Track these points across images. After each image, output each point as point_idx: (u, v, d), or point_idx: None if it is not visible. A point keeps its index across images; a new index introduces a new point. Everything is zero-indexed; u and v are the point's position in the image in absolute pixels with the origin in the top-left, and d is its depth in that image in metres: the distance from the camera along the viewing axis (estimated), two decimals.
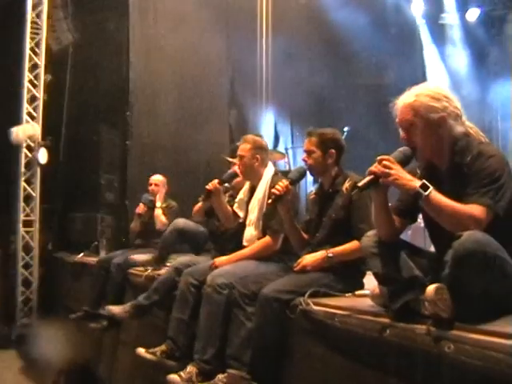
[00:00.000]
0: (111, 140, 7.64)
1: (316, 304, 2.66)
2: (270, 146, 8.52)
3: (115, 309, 4.30)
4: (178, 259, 4.22)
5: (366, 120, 8.57)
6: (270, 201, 3.08)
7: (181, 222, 4.98)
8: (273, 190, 3.07)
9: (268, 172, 3.78)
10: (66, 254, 7.33)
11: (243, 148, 3.80)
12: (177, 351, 3.56)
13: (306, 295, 2.72)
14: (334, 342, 2.44)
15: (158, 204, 5.45)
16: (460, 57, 10.27)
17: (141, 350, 3.70)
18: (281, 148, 8.86)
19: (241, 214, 3.90)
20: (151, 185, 5.65)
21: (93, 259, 6.05)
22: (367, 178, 2.22)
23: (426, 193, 2.10)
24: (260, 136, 4.03)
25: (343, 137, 6.46)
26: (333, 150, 3.22)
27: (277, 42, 8.53)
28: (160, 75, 7.59)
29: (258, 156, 3.78)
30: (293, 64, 8.70)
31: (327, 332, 2.48)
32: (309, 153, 3.23)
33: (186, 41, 7.76)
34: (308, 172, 3.25)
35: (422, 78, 9.82)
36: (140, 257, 5.00)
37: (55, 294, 7.44)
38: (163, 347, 3.62)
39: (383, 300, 2.34)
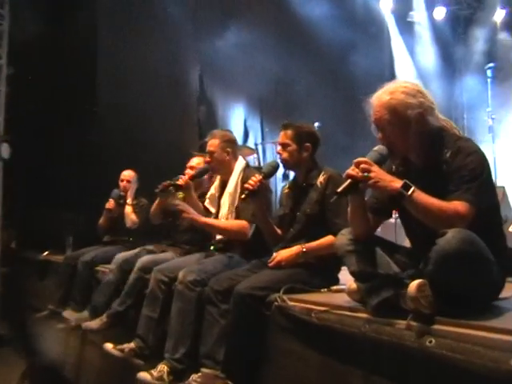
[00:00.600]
0: (77, 135, 7.45)
1: (292, 300, 2.60)
2: (240, 142, 8.48)
3: (92, 324, 4.19)
4: (140, 260, 4.11)
5: (334, 115, 8.56)
6: (243, 196, 3.01)
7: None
8: (246, 185, 3.01)
9: (239, 165, 3.74)
10: (31, 252, 7.12)
11: (212, 143, 3.75)
12: (146, 350, 3.49)
13: (282, 291, 2.66)
14: (311, 338, 2.38)
15: (129, 201, 5.29)
16: (427, 54, 10.37)
17: (108, 346, 3.64)
18: (250, 144, 8.78)
19: (212, 209, 3.84)
20: (123, 181, 5.51)
21: (59, 257, 5.89)
22: (346, 183, 2.16)
23: (409, 192, 2.07)
24: (228, 131, 3.98)
25: None
26: (308, 144, 3.17)
27: (245, 36, 8.44)
28: (128, 71, 7.43)
29: (228, 149, 3.74)
30: (261, 60, 8.63)
31: (304, 328, 2.42)
32: (284, 146, 3.17)
33: (154, 37, 7.64)
34: (282, 166, 3.19)
35: (390, 73, 9.92)
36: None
37: (20, 293, 7.22)
38: (132, 345, 3.56)
39: (360, 296, 2.30)
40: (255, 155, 8.00)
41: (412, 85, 2.31)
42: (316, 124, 6.66)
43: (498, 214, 2.34)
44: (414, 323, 1.94)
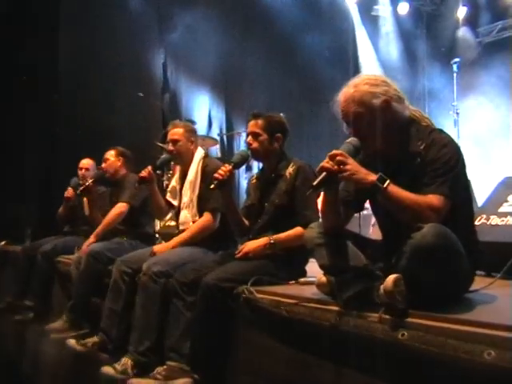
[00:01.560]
0: (36, 123, 7.25)
1: (260, 292, 2.55)
2: (204, 132, 8.41)
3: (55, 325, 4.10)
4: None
5: (298, 107, 8.58)
6: (212, 185, 2.93)
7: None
8: (215, 175, 2.93)
9: (198, 154, 3.70)
10: None
11: (176, 132, 3.69)
12: (109, 343, 3.42)
13: (249, 283, 2.61)
14: (280, 331, 2.35)
15: None
16: (391, 48, 10.47)
17: (71, 341, 3.55)
18: (214, 134, 8.70)
19: (174, 202, 3.77)
20: (81, 169, 5.37)
21: (17, 247, 5.72)
22: (321, 176, 2.10)
23: (384, 185, 2.04)
24: (190, 121, 3.95)
25: None
26: (279, 134, 3.11)
27: (209, 25, 8.37)
28: (91, 58, 7.26)
29: (192, 139, 3.71)
30: (224, 49, 8.57)
31: (272, 321, 2.38)
32: (254, 135, 3.10)
33: (118, 25, 7.54)
34: (251, 156, 3.12)
35: (354, 66, 9.99)
36: None
37: None
38: (95, 339, 3.48)
39: (330, 289, 2.27)
40: (218, 146, 7.92)
41: (375, 76, 2.30)
42: (281, 115, 6.63)
43: (471, 207, 2.33)
44: (386, 316, 1.92)
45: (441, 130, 2.27)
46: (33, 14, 7.12)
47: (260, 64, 8.86)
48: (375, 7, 10.50)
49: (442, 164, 2.10)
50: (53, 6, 7.12)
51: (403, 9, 10.39)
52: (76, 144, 6.77)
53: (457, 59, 7.05)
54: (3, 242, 6.29)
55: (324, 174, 2.08)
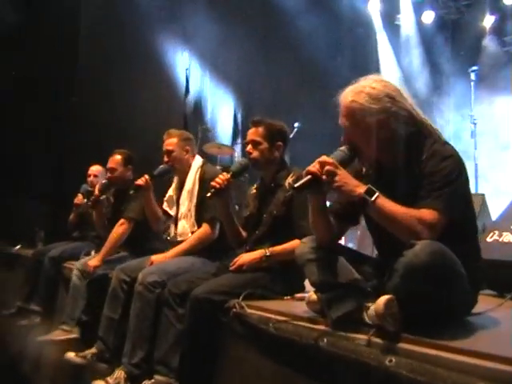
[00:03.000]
0: (52, 126, 7.25)
1: (251, 307, 2.44)
2: (229, 138, 8.32)
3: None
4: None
5: (316, 114, 8.45)
6: (209, 194, 2.83)
7: None
8: (212, 183, 2.84)
9: (196, 163, 3.62)
10: (4, 245, 6.91)
11: (170, 142, 3.63)
12: (107, 352, 3.34)
13: (241, 297, 2.49)
14: (267, 348, 2.22)
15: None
16: (414, 58, 10.28)
17: (70, 355, 3.49)
18: (238, 142, 8.65)
19: (171, 212, 3.67)
20: (90, 176, 5.34)
21: (30, 251, 5.69)
22: (305, 179, 1.99)
23: (372, 198, 1.90)
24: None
25: (293, 132, 6.35)
26: (280, 143, 2.99)
27: (234, 31, 8.31)
28: (111, 61, 7.28)
29: (187, 148, 3.63)
30: (250, 58, 8.50)
31: (261, 338, 2.25)
32: (254, 144, 2.98)
33: (140, 28, 7.53)
34: (251, 165, 3.00)
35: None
36: None
37: None
38: (94, 350, 3.42)
39: (320, 307, 2.14)
40: (235, 154, 7.82)
41: (382, 86, 2.12)
42: (296, 124, 6.54)
43: (473, 224, 2.17)
44: (376, 339, 1.79)
45: (445, 142, 2.12)
46: (53, 17, 7.16)
47: (284, 73, 8.79)
48: (398, 16, 10.39)
49: (440, 177, 1.96)
50: (74, 8, 7.17)
51: (428, 17, 10.22)
52: (94, 148, 6.74)
53: (475, 67, 6.80)
54: (18, 246, 6.27)
55: (309, 177, 1.97)
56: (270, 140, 2.97)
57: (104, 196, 4.69)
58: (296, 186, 1.99)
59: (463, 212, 2.02)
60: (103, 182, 4.53)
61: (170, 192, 3.73)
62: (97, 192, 4.44)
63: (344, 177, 1.95)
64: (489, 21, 9.71)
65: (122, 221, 4.15)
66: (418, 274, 1.73)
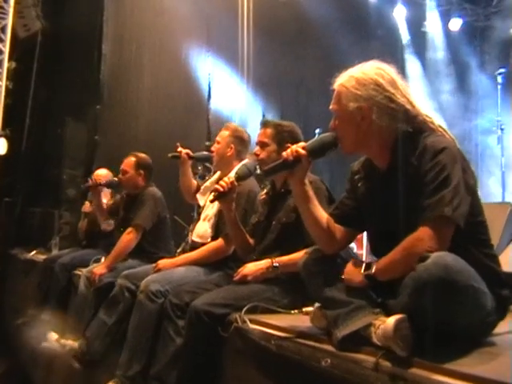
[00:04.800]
0: (78, 134, 7.25)
1: (253, 322, 2.25)
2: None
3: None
4: None
5: None
6: (211, 197, 2.66)
7: None
8: (216, 186, 2.67)
9: (238, 167, 3.36)
10: (21, 250, 6.87)
11: (221, 134, 3.45)
12: (87, 354, 3.25)
13: (243, 311, 2.30)
14: (268, 367, 2.04)
15: (104, 201, 4.94)
16: (440, 64, 10.07)
17: (52, 336, 3.47)
18: None
19: (201, 201, 3.53)
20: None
21: (42, 257, 5.61)
22: (276, 162, 2.05)
23: (373, 270, 1.79)
24: (245, 130, 3.65)
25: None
26: (289, 145, 2.79)
27: (258, 33, 8.17)
28: (134, 68, 7.25)
29: (232, 146, 3.38)
30: (275, 59, 8.35)
31: (262, 355, 2.06)
32: (262, 145, 2.83)
33: (163, 34, 7.44)
34: (259, 168, 2.84)
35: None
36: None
37: (4, 293, 6.96)
38: (75, 344, 3.34)
39: (325, 323, 1.95)
40: None
41: (374, 72, 1.91)
42: (317, 131, 6.34)
43: (486, 232, 1.91)
44: (384, 363, 1.59)
45: (439, 134, 1.88)
46: (77, 26, 7.17)
47: (317, 75, 8.62)
48: (425, 23, 10.19)
49: (435, 176, 1.72)
50: (97, 13, 7.09)
51: (455, 25, 10.03)
52: (115, 154, 6.66)
53: (502, 70, 6.46)
54: (33, 252, 6.19)
55: (278, 161, 2.00)
56: (279, 141, 2.81)
57: (106, 197, 4.64)
58: (264, 168, 2.05)
59: (470, 213, 1.76)
60: (114, 178, 4.52)
61: (208, 183, 3.57)
62: (103, 182, 4.51)
63: (349, 271, 1.90)
64: None
65: (130, 229, 4.01)
66: (430, 290, 1.53)
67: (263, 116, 8.89)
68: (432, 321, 1.56)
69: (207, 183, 3.59)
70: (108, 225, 4.83)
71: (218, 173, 3.54)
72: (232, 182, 2.64)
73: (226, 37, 8.18)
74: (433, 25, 10.18)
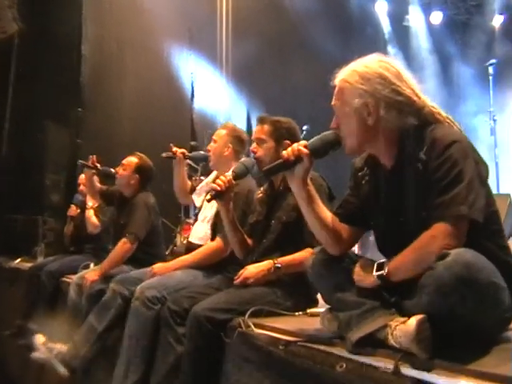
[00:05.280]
0: (59, 138, 7.11)
1: (258, 326, 2.15)
2: None
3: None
4: None
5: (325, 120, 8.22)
6: (207, 197, 2.57)
7: None
8: (212, 185, 2.58)
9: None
10: (5, 259, 6.70)
11: (218, 133, 3.34)
12: (74, 360, 3.14)
13: (247, 315, 2.21)
14: (277, 374, 1.94)
15: (90, 204, 4.80)
16: (423, 58, 10.13)
17: (39, 339, 3.40)
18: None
19: (198, 202, 3.43)
20: (79, 185, 5.08)
21: (29, 265, 5.47)
22: (276, 162, 1.94)
23: (386, 270, 1.69)
24: (244, 131, 3.55)
25: (302, 135, 6.10)
26: (288, 142, 2.68)
27: (240, 31, 8.11)
28: (116, 69, 7.18)
29: (230, 145, 3.27)
30: (259, 57, 8.28)
31: (270, 362, 1.97)
32: (259, 142, 2.73)
33: (144, 33, 7.39)
34: (256, 165, 2.72)
35: None
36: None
37: None
38: (63, 348, 3.27)
39: (337, 327, 1.86)
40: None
41: (378, 65, 1.81)
42: (304, 127, 6.27)
43: (498, 222, 1.83)
44: (404, 366, 1.51)
45: (446, 126, 1.79)
46: (55, 28, 7.03)
47: (301, 73, 8.64)
48: (407, 17, 10.23)
49: (447, 171, 1.63)
50: (77, 15, 7.00)
51: (436, 18, 10.13)
52: (101, 157, 6.57)
53: (493, 60, 6.41)
54: (18, 260, 6.04)
55: (279, 161, 1.90)
56: (277, 138, 2.71)
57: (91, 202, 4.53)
58: (264, 168, 1.95)
59: (487, 208, 1.68)
60: (111, 169, 4.37)
61: (204, 183, 3.48)
62: (98, 167, 4.40)
63: (358, 272, 1.80)
64: (498, 20, 9.61)
65: (125, 239, 3.82)
66: (451, 290, 1.46)
67: (247, 115, 8.83)
68: (453, 320, 1.49)
69: (203, 183, 3.51)
70: (94, 227, 4.70)
71: (215, 173, 3.44)
72: (229, 181, 2.54)
73: (208, 35, 8.14)
74: (415, 18, 10.25)
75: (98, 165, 4.40)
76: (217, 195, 2.54)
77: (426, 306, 1.53)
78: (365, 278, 1.75)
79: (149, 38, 7.44)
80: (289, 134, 2.74)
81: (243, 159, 2.85)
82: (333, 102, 1.88)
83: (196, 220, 3.35)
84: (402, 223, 1.75)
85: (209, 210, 3.22)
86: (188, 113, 7.98)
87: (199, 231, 3.24)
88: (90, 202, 4.74)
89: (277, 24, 8.73)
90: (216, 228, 3.11)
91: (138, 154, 4.30)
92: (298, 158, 1.85)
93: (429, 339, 1.51)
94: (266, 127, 2.73)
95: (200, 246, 3.17)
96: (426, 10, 10.18)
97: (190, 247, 3.23)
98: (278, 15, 8.72)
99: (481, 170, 1.70)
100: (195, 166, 5.55)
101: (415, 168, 1.72)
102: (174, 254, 5.03)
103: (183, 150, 3.77)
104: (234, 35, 8.20)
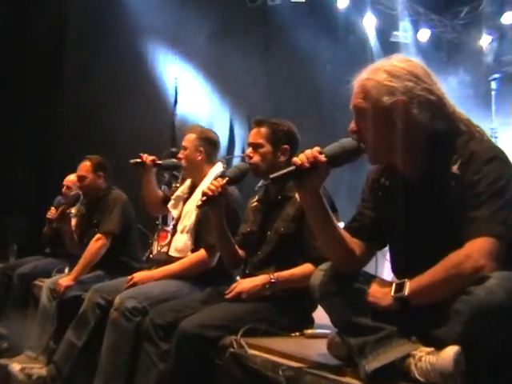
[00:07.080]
0: (33, 137, 6.88)
1: (252, 346, 1.97)
2: (223, 152, 7.94)
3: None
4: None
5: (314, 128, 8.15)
6: (199, 202, 2.38)
7: None
8: (204, 190, 2.38)
9: (213, 171, 3.07)
10: None
11: (187, 138, 3.16)
12: (58, 381, 2.94)
13: (240, 333, 2.02)
14: None
15: (73, 210, 4.57)
16: None
17: (16, 366, 3.11)
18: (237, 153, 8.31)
19: (174, 213, 3.23)
20: (63, 187, 4.85)
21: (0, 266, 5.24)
22: (287, 169, 1.66)
23: (406, 292, 1.51)
24: (212, 130, 3.36)
25: None
26: (286, 146, 2.53)
27: (225, 37, 8.00)
28: (97, 71, 6.97)
29: (201, 149, 3.10)
30: (246, 64, 8.19)
31: None
32: (255, 146, 2.53)
33: (128, 36, 7.27)
34: (252, 171, 2.53)
35: None
36: None
37: None
38: (43, 372, 3.04)
39: (346, 353, 1.66)
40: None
41: (406, 64, 1.65)
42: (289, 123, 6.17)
43: None
44: None
45: (485, 140, 1.64)
46: (38, 25, 6.84)
47: (284, 80, 8.61)
48: (395, 33, 10.09)
49: (486, 187, 1.49)
50: (59, 16, 6.90)
51: (424, 35, 10.09)
52: (78, 159, 6.38)
53: (496, 75, 6.31)
54: None
55: (292, 167, 1.64)
56: (274, 142, 2.52)
57: (74, 209, 4.29)
58: (272, 176, 1.68)
59: None
60: (73, 193, 4.27)
61: (179, 192, 3.27)
62: (61, 207, 4.16)
63: (372, 294, 1.61)
64: (486, 40, 9.57)
65: (98, 236, 3.71)
66: (495, 317, 1.28)
67: (230, 122, 8.68)
68: (493, 354, 1.32)
69: (178, 192, 3.30)
70: (75, 249, 4.48)
71: (189, 181, 3.27)
72: (223, 185, 2.36)
73: (194, 40, 8.01)
74: (403, 35, 10.16)
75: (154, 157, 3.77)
76: (208, 201, 2.36)
77: (461, 336, 1.36)
78: (381, 299, 1.57)
79: (133, 41, 7.36)
80: (287, 137, 2.56)
81: (238, 164, 2.66)
82: (353, 103, 1.68)
83: (175, 232, 3.16)
84: (427, 241, 1.58)
85: (187, 220, 3.04)
86: (170, 118, 7.92)
87: (178, 243, 3.06)
88: (73, 211, 4.51)
89: (262, 31, 8.77)
90: (199, 238, 2.94)
91: (86, 157, 4.21)
92: (314, 165, 1.63)
93: (465, 373, 1.34)
94: (263, 130, 2.54)
95: (180, 258, 3.00)
96: (414, 26, 10.11)
97: (170, 260, 3.05)
98: (263, 23, 8.73)
99: None
100: (176, 173, 5.36)
101: (448, 184, 1.57)
102: (150, 262, 4.93)
103: (153, 158, 3.51)
104: (220, 41, 8.07)
